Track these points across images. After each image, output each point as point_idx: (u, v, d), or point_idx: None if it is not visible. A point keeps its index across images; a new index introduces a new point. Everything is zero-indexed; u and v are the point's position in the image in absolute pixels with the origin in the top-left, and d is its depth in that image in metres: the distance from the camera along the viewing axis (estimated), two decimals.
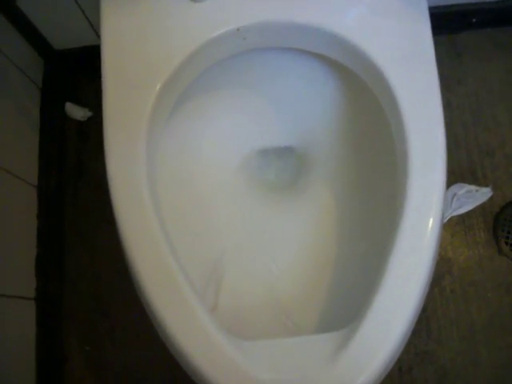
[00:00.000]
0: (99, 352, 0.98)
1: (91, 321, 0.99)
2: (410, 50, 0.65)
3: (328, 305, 0.71)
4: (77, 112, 1.08)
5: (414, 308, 0.56)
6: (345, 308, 0.63)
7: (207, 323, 0.55)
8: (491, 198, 1.01)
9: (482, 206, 1.01)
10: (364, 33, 0.65)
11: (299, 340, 0.57)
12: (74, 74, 1.11)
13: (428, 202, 0.59)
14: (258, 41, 0.68)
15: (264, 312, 0.72)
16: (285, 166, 0.85)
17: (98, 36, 0.99)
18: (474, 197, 1.01)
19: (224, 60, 0.70)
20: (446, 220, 1.00)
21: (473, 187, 1.01)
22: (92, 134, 1.09)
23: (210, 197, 0.81)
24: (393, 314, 0.55)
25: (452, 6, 1.04)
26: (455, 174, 1.03)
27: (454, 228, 1.01)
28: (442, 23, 1.06)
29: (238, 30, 0.65)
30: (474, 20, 1.07)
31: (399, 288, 0.56)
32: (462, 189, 1.00)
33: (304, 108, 0.82)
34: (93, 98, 1.09)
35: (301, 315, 0.71)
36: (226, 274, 0.74)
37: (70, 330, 0.99)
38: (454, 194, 1.00)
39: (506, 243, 0.99)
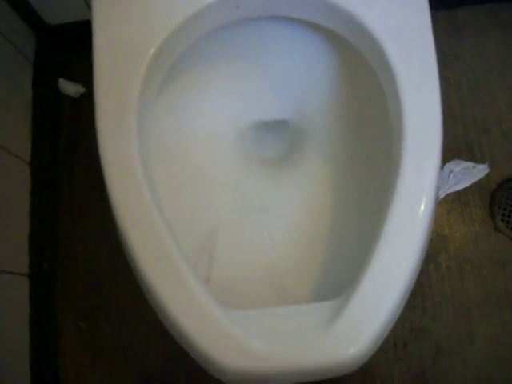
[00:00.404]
0: (93, 329, 0.98)
1: (85, 298, 0.99)
2: (408, 22, 0.64)
3: (323, 276, 0.71)
4: (70, 88, 1.07)
5: (406, 280, 0.55)
6: (340, 279, 0.63)
7: (199, 293, 0.54)
8: (488, 175, 1.01)
9: (478, 183, 1.01)
10: (362, 3, 0.64)
11: (292, 309, 0.57)
12: (67, 49, 1.10)
13: (422, 179, 0.58)
14: (251, 9, 0.67)
15: (258, 283, 0.72)
16: (280, 139, 0.84)
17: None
18: (470, 173, 1.00)
19: (217, 31, 0.69)
20: (442, 196, 1.00)
21: (469, 164, 1.00)
22: (85, 110, 1.07)
23: (204, 170, 0.80)
24: (385, 285, 0.54)
25: None
26: (452, 151, 1.03)
27: (450, 205, 1.01)
28: None
29: None
30: None
31: (392, 260, 0.55)
32: (459, 165, 1.00)
33: (299, 80, 0.81)
34: (86, 73, 1.05)
35: (296, 286, 0.71)
36: (219, 246, 0.74)
37: (64, 306, 0.99)
38: (451, 171, 1.00)
39: (502, 220, 0.99)
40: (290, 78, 0.81)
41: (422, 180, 0.58)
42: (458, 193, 1.01)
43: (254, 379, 0.53)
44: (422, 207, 0.57)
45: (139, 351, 0.97)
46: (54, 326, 0.97)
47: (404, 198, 0.57)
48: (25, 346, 0.90)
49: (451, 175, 0.99)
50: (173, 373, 0.95)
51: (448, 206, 1.01)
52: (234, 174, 0.81)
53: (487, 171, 1.00)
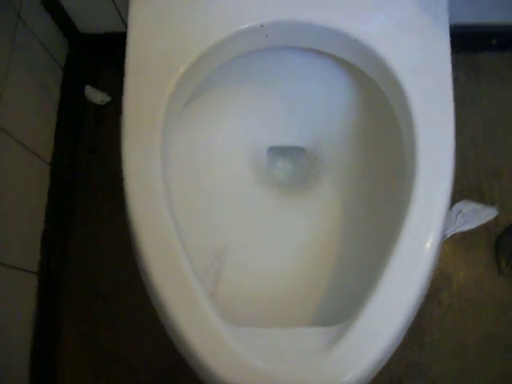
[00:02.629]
0: (95, 334, 0.99)
1: (91, 302, 1.00)
2: (428, 64, 0.66)
3: (326, 301, 0.72)
4: (96, 96, 1.10)
5: (406, 314, 0.57)
6: (342, 305, 0.64)
7: (206, 307, 0.56)
8: (496, 219, 1.02)
9: (485, 226, 1.02)
10: (385, 41, 0.66)
11: (294, 331, 0.58)
12: (97, 58, 1.13)
13: (430, 217, 0.59)
14: (279, 39, 0.70)
15: (262, 303, 0.73)
16: (295, 164, 0.86)
17: (124, 23, 1.01)
18: (479, 215, 1.01)
19: (244, 56, 0.72)
20: (449, 235, 1.01)
21: (479, 206, 1.02)
22: (108, 118, 1.11)
23: (218, 190, 0.82)
24: (385, 317, 0.56)
25: (474, 25, 1.04)
26: (462, 192, 1.04)
27: (456, 244, 1.02)
28: (462, 42, 1.07)
29: (261, 26, 0.67)
30: (494, 41, 1.08)
31: (394, 293, 0.57)
32: (468, 206, 1.01)
33: (318, 109, 0.83)
34: (113, 83, 1.11)
35: (299, 309, 0.72)
36: (228, 264, 0.75)
37: (69, 308, 1.00)
38: (460, 211, 1.01)
39: (507, 264, 1.00)
40: (309, 107, 0.84)
41: (430, 217, 0.59)
42: (465, 233, 1.02)
43: None
44: (429, 244, 0.59)
45: (138, 362, 0.97)
46: (56, 326, 0.98)
47: (411, 234, 0.59)
48: (26, 341, 0.91)
49: (460, 215, 1.00)
50: None
51: (454, 245, 1.02)
52: (247, 196, 0.83)
53: (496, 214, 1.01)
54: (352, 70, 0.76)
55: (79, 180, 1.07)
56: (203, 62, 0.68)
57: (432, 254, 0.58)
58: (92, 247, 1.03)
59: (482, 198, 1.04)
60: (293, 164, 0.87)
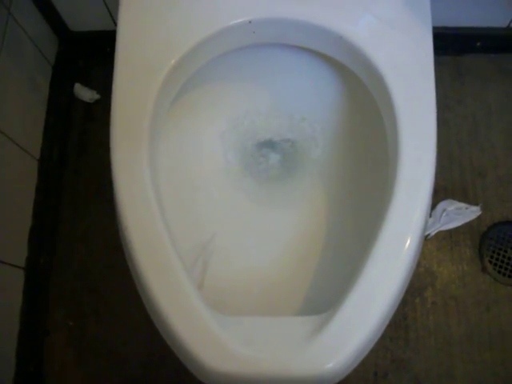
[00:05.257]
0: (81, 329, 0.99)
1: (77, 297, 1.00)
2: (413, 63, 0.67)
3: (311, 294, 0.73)
4: (85, 93, 1.11)
5: (387, 306, 0.57)
6: (327, 297, 0.65)
7: (192, 296, 0.57)
8: (479, 217, 1.03)
9: (469, 224, 1.03)
10: (370, 39, 0.68)
11: (279, 320, 0.59)
12: (87, 56, 1.14)
13: (412, 211, 0.61)
14: (266, 36, 0.71)
15: (249, 294, 0.74)
16: (282, 158, 0.87)
17: (114, 22, 1.02)
18: (463, 214, 1.03)
19: (230, 52, 0.73)
20: (433, 234, 1.03)
21: (462, 204, 1.03)
22: (97, 116, 1.12)
23: (207, 183, 0.83)
24: (366, 308, 0.57)
25: (459, 28, 1.07)
26: (446, 190, 1.06)
27: (440, 242, 1.03)
28: (448, 44, 1.10)
29: (249, 22, 0.68)
30: (478, 44, 1.11)
31: (375, 285, 0.58)
32: (452, 205, 1.03)
33: (305, 104, 0.85)
34: (102, 81, 1.12)
35: (285, 300, 0.73)
36: (215, 256, 0.76)
37: (55, 303, 1.00)
38: (444, 210, 1.02)
39: (490, 262, 1.01)
40: (297, 102, 0.85)
41: (412, 212, 0.61)
42: (449, 231, 1.03)
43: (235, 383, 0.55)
44: (410, 238, 0.60)
45: (123, 355, 0.97)
46: (43, 321, 0.98)
47: (393, 227, 0.60)
48: (13, 336, 0.91)
49: (444, 214, 1.02)
50: (154, 379, 0.96)
51: (438, 243, 1.03)
52: (234, 189, 0.84)
53: (479, 213, 1.03)
54: (339, 67, 0.78)
55: (68, 176, 1.08)
56: (191, 58, 0.69)
57: (412, 248, 0.59)
58: (80, 242, 1.03)
59: (466, 196, 1.06)
60: (281, 158, 0.88)
